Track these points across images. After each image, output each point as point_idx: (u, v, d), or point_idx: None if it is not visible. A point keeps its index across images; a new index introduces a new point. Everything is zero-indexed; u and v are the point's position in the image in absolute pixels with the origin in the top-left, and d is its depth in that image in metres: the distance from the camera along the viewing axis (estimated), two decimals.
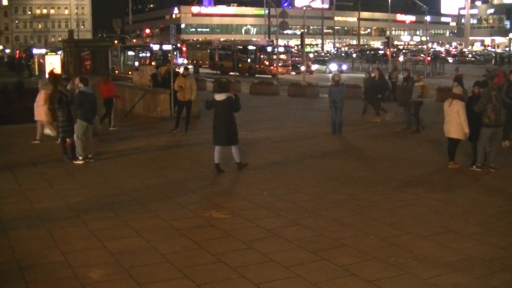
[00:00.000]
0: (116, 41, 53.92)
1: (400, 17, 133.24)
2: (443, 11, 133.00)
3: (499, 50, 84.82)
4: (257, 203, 8.77)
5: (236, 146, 10.89)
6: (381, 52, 69.36)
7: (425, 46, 56.05)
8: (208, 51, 55.67)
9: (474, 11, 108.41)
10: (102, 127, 16.30)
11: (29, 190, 9.65)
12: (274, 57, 42.78)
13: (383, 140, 14.67)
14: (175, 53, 24.07)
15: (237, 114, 10.98)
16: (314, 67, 50.00)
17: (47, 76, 39.32)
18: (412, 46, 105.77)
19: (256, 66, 45.54)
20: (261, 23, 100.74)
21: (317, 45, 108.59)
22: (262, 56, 46.26)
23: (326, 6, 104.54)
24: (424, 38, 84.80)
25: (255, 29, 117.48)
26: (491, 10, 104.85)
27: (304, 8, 48.88)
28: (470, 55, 71.08)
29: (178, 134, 15.49)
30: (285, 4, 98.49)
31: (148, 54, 42.86)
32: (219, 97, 10.70)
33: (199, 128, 16.48)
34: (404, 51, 78.02)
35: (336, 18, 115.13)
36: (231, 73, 46.60)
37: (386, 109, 18.84)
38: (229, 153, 10.98)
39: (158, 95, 18.82)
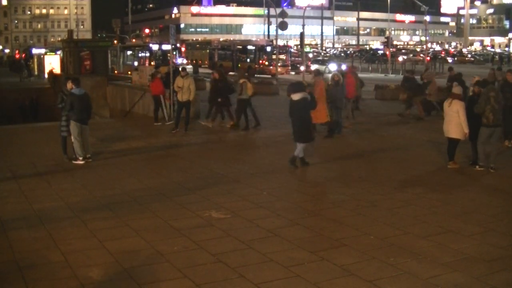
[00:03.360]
0: (115, 41, 53.91)
1: (399, 17, 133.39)
2: (442, 11, 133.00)
3: (498, 50, 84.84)
4: (256, 203, 8.76)
5: (305, 144, 11.34)
6: (380, 52, 69.33)
7: (424, 46, 56.13)
8: (208, 51, 55.70)
9: (474, 11, 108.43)
10: (161, 123, 17.15)
11: (29, 190, 9.64)
12: (274, 57, 42.79)
13: (383, 140, 14.67)
14: (174, 53, 24.04)
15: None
16: (314, 67, 49.97)
17: (46, 76, 39.46)
18: (411, 46, 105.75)
19: (256, 66, 45.54)
20: (261, 23, 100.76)
21: (316, 45, 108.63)
22: (261, 56, 46.26)
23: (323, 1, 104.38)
24: (423, 38, 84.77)
25: (254, 28, 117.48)
26: (491, 10, 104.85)
27: (304, 7, 48.84)
28: (469, 55, 71.10)
29: (178, 134, 15.49)
30: (285, 4, 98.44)
31: (148, 54, 42.86)
32: (296, 96, 11.11)
33: (198, 128, 16.48)
34: (403, 50, 78.01)
35: (335, 18, 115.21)
36: (230, 73, 46.61)
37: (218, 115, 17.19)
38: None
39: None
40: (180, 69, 16.77)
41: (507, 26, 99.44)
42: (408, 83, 19.50)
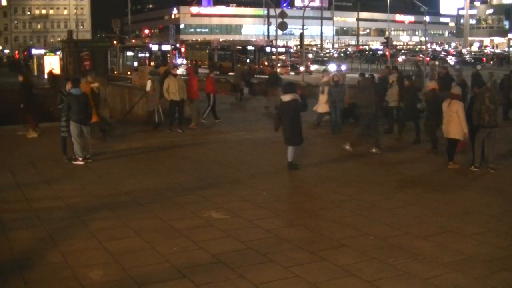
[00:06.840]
0: (115, 42, 53.80)
1: (399, 17, 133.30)
2: (442, 11, 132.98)
3: (498, 50, 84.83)
4: (256, 203, 8.76)
5: (294, 147, 11.04)
6: (380, 52, 69.26)
7: (424, 46, 56.07)
8: (207, 51, 55.68)
9: (473, 11, 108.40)
10: (206, 121, 17.22)
11: (29, 190, 9.63)
12: (273, 57, 42.76)
13: (382, 140, 14.64)
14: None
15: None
16: (313, 67, 49.99)
17: (46, 76, 39.46)
18: (411, 47, 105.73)
19: (255, 66, 45.52)
20: (260, 24, 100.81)
21: (316, 45, 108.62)
22: (261, 56, 46.28)
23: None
24: (423, 39, 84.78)
25: (254, 29, 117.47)
26: (490, 11, 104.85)
27: (304, 5, 48.86)
28: (468, 56, 71.06)
29: (171, 134, 15.44)
30: (284, 5, 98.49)
31: (147, 55, 42.87)
32: (286, 98, 10.83)
33: (197, 128, 16.46)
34: (403, 51, 77.98)
35: (335, 19, 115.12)
36: (230, 73, 46.60)
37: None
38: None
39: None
40: (172, 67, 16.74)
41: (507, 27, 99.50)
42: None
